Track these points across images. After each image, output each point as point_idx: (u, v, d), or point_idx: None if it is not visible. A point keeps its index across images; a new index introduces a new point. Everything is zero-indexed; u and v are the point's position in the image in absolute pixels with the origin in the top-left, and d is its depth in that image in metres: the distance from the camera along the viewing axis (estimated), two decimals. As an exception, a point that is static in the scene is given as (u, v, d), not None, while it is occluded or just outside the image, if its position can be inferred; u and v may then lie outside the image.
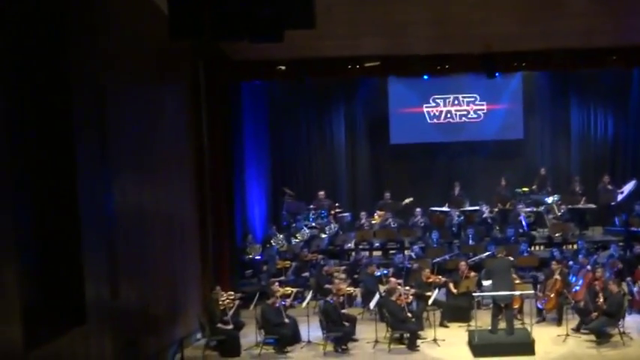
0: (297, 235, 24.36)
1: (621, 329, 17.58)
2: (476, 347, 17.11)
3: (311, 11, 10.56)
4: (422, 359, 17.17)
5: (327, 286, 19.70)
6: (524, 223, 24.22)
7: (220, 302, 17.92)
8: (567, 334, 17.79)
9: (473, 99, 27.29)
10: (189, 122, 18.83)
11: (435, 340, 17.85)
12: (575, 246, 23.01)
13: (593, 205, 25.08)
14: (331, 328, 17.70)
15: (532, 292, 19.09)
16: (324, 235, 24.51)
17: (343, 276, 20.41)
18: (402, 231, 24.36)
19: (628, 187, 25.09)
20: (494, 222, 24.55)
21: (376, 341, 17.87)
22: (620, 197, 24.97)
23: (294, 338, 18.10)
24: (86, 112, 12.88)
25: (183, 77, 18.59)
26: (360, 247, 24.08)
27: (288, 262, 22.40)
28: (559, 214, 24.75)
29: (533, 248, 23.52)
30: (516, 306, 18.45)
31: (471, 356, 17.07)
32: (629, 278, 19.45)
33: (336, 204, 26.07)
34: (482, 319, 18.11)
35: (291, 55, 19.81)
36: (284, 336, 17.70)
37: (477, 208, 25.12)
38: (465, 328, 18.56)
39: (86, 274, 12.54)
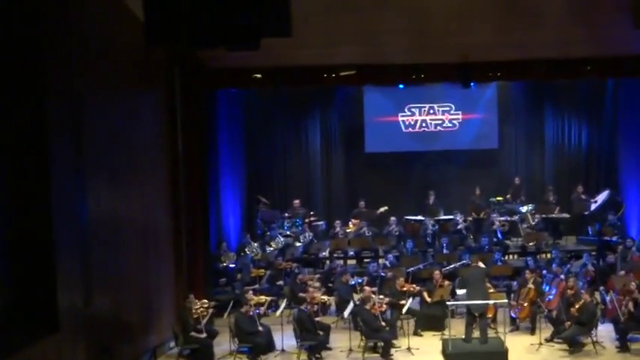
0: (271, 244, 24.31)
1: (594, 338, 17.67)
2: (450, 356, 17.15)
3: (287, 20, 10.55)
4: (396, 368, 17.23)
5: (301, 294, 19.68)
6: (498, 232, 24.30)
7: (194, 311, 17.85)
8: (541, 343, 17.85)
9: (448, 108, 27.36)
10: (165, 129, 18.78)
11: (408, 348, 17.87)
12: (548, 255, 23.12)
13: (566, 215, 25.20)
14: (305, 336, 17.68)
15: (506, 301, 19.14)
16: (298, 244, 24.48)
17: (317, 284, 20.42)
18: (376, 240, 24.38)
19: (601, 197, 25.24)
20: (468, 231, 24.61)
21: (350, 350, 17.85)
22: (593, 207, 25.11)
23: (268, 347, 18.06)
24: (60, 118, 12.82)
25: (159, 84, 18.54)
26: (335, 255, 24.09)
27: (263, 270, 22.37)
28: (533, 223, 24.83)
29: (507, 257, 23.62)
30: (490, 315, 18.50)
31: (445, 365, 17.13)
32: (602, 287, 19.51)
33: (311, 212, 26.08)
34: (456, 328, 18.17)
35: (267, 63, 19.82)
36: (258, 344, 17.65)
37: (451, 217, 25.16)
38: (438, 337, 18.57)
39: (59, 282, 12.47)
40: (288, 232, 24.93)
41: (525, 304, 18.82)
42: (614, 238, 23.29)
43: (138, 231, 16.73)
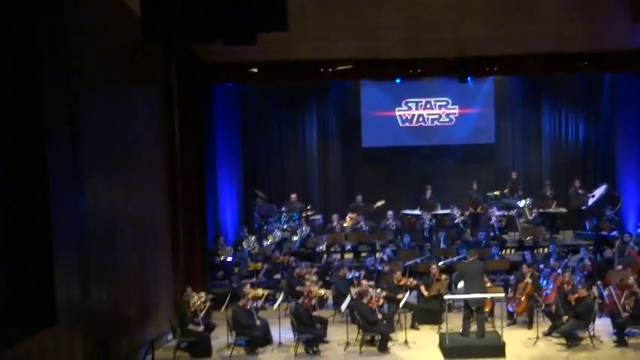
0: (268, 238, 24.33)
1: (591, 332, 17.68)
2: (447, 350, 17.16)
3: (284, 14, 10.58)
4: (393, 361, 17.26)
5: (298, 288, 19.74)
6: (495, 226, 24.32)
7: (191, 304, 17.88)
8: (538, 337, 17.87)
9: (445, 103, 27.39)
10: (162, 124, 18.78)
11: (406, 342, 17.89)
12: (546, 250, 23.14)
13: (564, 210, 25.24)
14: (302, 330, 17.69)
15: (503, 295, 19.14)
16: (295, 238, 24.51)
17: (315, 278, 20.40)
18: (373, 234, 24.40)
19: (599, 192, 25.26)
20: (465, 226, 24.64)
21: (347, 343, 17.86)
22: (590, 201, 25.12)
23: (265, 340, 18.08)
24: (57, 113, 12.83)
25: (155, 79, 18.54)
26: (332, 249, 24.10)
27: (260, 264, 22.40)
28: (530, 217, 24.85)
29: (504, 252, 23.63)
30: (487, 309, 18.51)
31: (442, 359, 17.11)
32: (599, 282, 19.54)
33: (308, 206, 26.08)
34: (453, 322, 18.16)
35: (263, 57, 19.86)
36: (255, 338, 17.68)
37: (448, 211, 25.21)
38: (435, 331, 18.57)
39: (57, 275, 12.50)
40: (285, 226, 24.95)
41: (523, 299, 18.84)
42: (612, 233, 23.31)
43: (135, 225, 16.75)
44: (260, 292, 19.27)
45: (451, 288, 19.45)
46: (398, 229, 24.66)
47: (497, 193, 26.21)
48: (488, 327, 18.15)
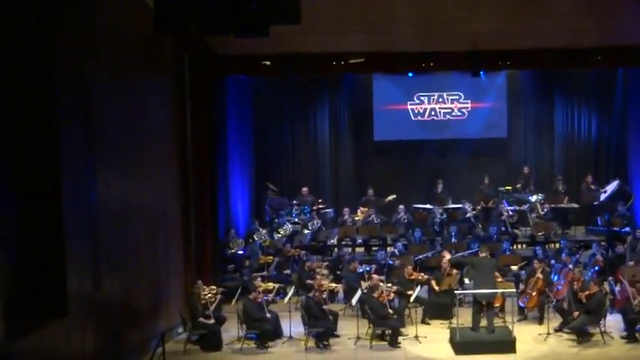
0: (279, 231, 24.31)
1: (602, 329, 17.64)
2: (457, 345, 17.14)
3: (297, 7, 10.58)
4: (403, 356, 17.18)
5: (309, 281, 19.73)
6: (506, 221, 24.25)
7: (202, 297, 17.90)
8: (549, 333, 17.83)
9: (457, 97, 27.32)
10: (174, 116, 18.79)
11: (416, 337, 17.87)
12: (557, 245, 23.08)
13: (575, 205, 25.18)
14: (313, 323, 17.70)
15: (514, 290, 19.09)
16: (306, 231, 24.48)
17: (325, 272, 20.43)
18: (384, 228, 24.40)
19: (611, 187, 25.13)
20: (476, 220, 24.60)
21: (358, 337, 17.86)
22: (602, 197, 25.01)
23: (276, 333, 18.09)
24: (70, 105, 12.86)
25: (168, 71, 18.55)
26: (343, 243, 24.08)
27: (271, 257, 22.37)
28: (542, 213, 24.80)
29: (515, 247, 23.58)
30: (498, 304, 18.48)
31: (452, 354, 17.09)
32: (610, 278, 19.49)
33: (319, 200, 26.09)
34: (464, 317, 18.13)
35: (276, 50, 19.81)
36: (265, 331, 17.69)
37: (459, 206, 25.17)
38: (446, 326, 18.54)
39: (68, 267, 12.54)
40: (296, 220, 24.94)
41: (534, 294, 18.80)
42: (624, 229, 23.25)
43: (147, 217, 16.78)
44: (271, 285, 19.30)
45: (462, 283, 19.40)
46: (409, 223, 24.64)
47: (509, 187, 26.11)
48: (499, 322, 18.14)
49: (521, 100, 27.64)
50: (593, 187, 25.41)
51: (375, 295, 18.00)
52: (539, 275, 18.85)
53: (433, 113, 27.41)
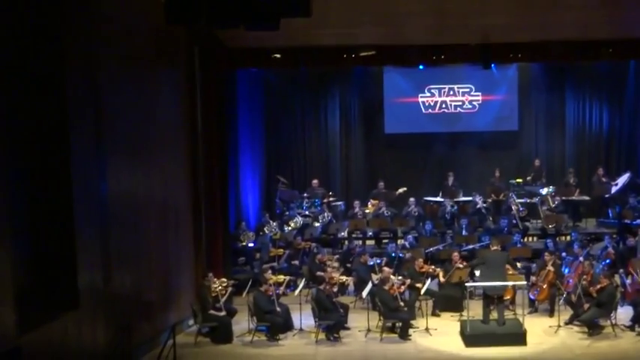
0: (290, 223, 24.31)
1: (613, 321, 17.61)
2: (468, 337, 17.13)
3: (307, 0, 10.57)
4: (414, 348, 17.16)
5: (319, 274, 19.73)
6: (514, 214, 24.18)
7: (213, 289, 17.92)
8: (559, 325, 17.81)
9: (468, 90, 27.29)
10: (184, 109, 18.78)
11: (427, 329, 17.87)
12: (568, 237, 23.04)
13: (587, 197, 25.17)
14: (323, 316, 17.71)
15: (524, 282, 19.06)
16: (317, 224, 24.47)
17: (336, 264, 20.40)
18: (395, 220, 24.38)
19: (622, 180, 25.07)
20: (487, 213, 24.56)
21: (368, 330, 17.88)
22: (614, 189, 24.96)
23: (286, 326, 18.10)
24: (81, 99, 12.88)
25: (178, 64, 18.54)
26: (353, 235, 24.11)
27: (281, 249, 22.36)
28: (553, 205, 24.75)
29: (526, 239, 23.56)
30: (509, 297, 18.47)
31: (463, 346, 17.07)
32: (621, 270, 19.45)
33: (330, 193, 26.08)
34: (475, 309, 18.09)
35: (287, 43, 19.82)
36: (276, 323, 17.70)
37: (470, 198, 25.15)
38: (457, 318, 18.57)
39: (79, 260, 12.57)
40: (306, 212, 24.93)
41: (544, 286, 18.77)
42: (635, 221, 23.20)
43: (157, 210, 16.80)
44: (281, 277, 19.30)
45: (473, 275, 19.38)
46: (420, 216, 24.65)
47: (520, 180, 26.08)
48: (509, 315, 18.12)
49: (532, 93, 27.57)
50: (604, 179, 25.35)
51: (386, 287, 18.01)
52: (550, 268, 18.81)
53: (444, 106, 27.39)
